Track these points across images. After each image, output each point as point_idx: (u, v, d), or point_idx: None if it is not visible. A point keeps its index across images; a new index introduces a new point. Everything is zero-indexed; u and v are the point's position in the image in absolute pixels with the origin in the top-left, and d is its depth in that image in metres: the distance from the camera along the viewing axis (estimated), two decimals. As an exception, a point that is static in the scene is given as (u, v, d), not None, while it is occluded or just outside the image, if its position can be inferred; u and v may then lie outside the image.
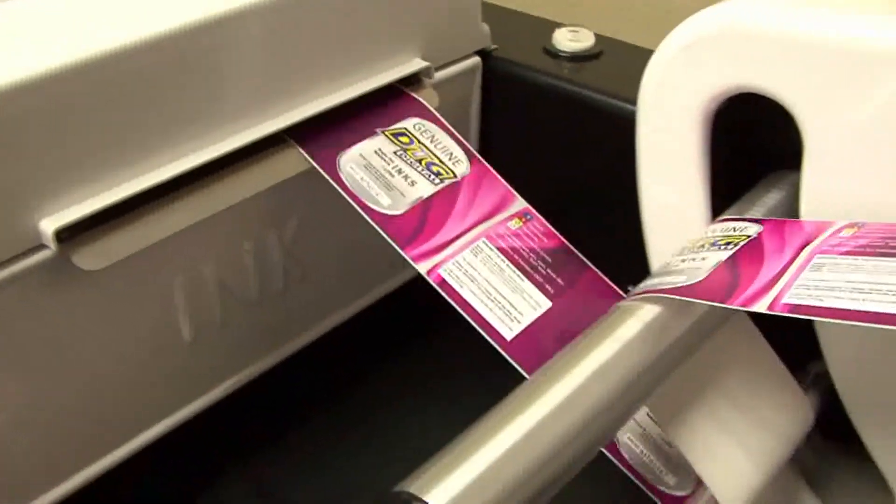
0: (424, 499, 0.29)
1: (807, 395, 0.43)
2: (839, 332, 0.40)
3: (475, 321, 0.40)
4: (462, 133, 0.49)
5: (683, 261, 0.37)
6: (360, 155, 0.46)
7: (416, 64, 0.50)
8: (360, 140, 0.47)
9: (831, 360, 0.41)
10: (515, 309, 0.41)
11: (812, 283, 0.31)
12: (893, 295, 0.29)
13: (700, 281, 0.34)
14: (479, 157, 0.48)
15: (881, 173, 0.36)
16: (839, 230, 0.34)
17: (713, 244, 0.37)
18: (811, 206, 0.38)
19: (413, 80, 0.50)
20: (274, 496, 0.53)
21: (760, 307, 0.31)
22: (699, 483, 0.40)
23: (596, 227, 0.50)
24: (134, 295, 0.44)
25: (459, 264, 0.42)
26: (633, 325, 0.35)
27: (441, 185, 0.46)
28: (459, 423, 0.32)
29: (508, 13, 0.60)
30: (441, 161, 0.47)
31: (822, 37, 0.36)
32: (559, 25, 0.56)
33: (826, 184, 0.37)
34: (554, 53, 0.55)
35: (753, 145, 0.44)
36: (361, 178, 0.45)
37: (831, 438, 0.47)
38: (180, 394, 0.48)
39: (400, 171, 0.46)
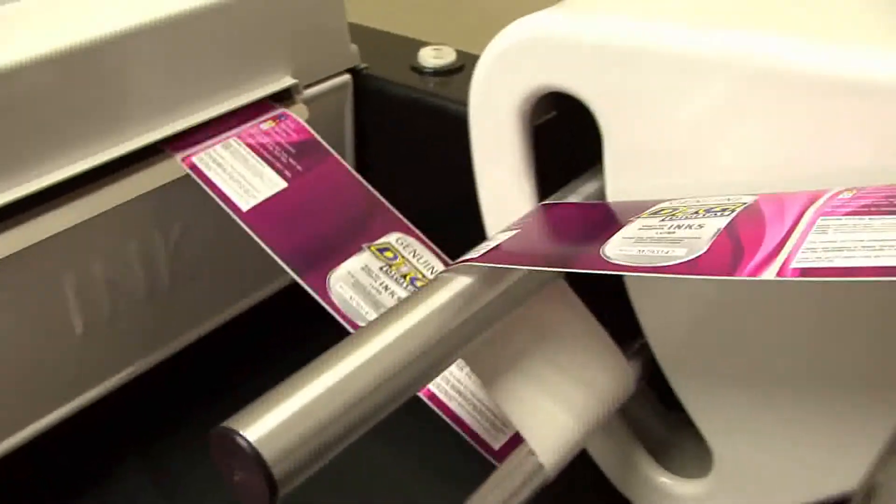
0: (242, 433, 0.34)
1: (632, 362, 0.48)
2: (653, 304, 0.45)
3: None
4: (338, 146, 0.54)
5: (679, 227, 0.35)
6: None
7: (285, 81, 0.55)
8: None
9: (648, 330, 0.46)
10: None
11: (820, 246, 0.31)
12: None
13: (704, 253, 0.32)
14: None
15: (671, 166, 0.41)
16: (837, 193, 0.33)
17: (708, 210, 0.36)
18: (614, 194, 0.43)
19: (284, 96, 0.55)
20: (170, 484, 0.57)
21: (769, 275, 0.29)
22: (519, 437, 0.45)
23: (467, 230, 0.55)
24: (25, 289, 0.48)
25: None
26: (447, 290, 0.40)
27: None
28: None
29: (378, 34, 0.65)
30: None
31: (615, 41, 0.41)
32: (424, 44, 0.62)
33: (623, 173, 0.43)
34: (420, 70, 0.61)
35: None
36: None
37: (676, 408, 0.52)
38: (73, 384, 0.53)
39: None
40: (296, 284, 0.47)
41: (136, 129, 0.49)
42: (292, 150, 0.51)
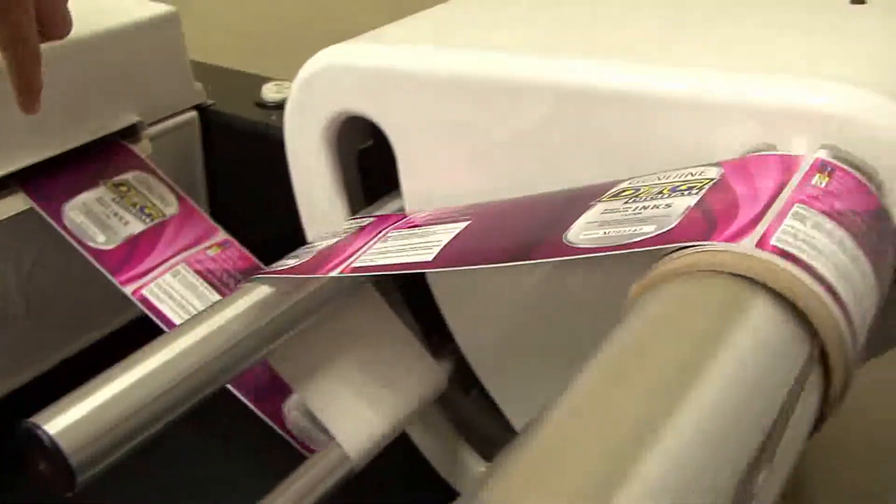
0: (44, 427, 0.37)
1: (444, 361, 0.52)
2: (458, 307, 0.50)
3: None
4: (188, 180, 0.58)
5: (645, 208, 0.35)
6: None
7: (130, 119, 0.59)
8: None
9: (454, 330, 0.50)
10: None
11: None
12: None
13: (675, 226, 0.33)
14: (189, 200, 0.57)
15: (456, 182, 0.45)
16: (810, 175, 0.33)
17: (673, 189, 0.36)
18: (410, 206, 0.48)
19: (130, 134, 0.59)
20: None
21: (748, 244, 0.29)
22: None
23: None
24: None
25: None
26: (248, 298, 0.44)
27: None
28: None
29: (222, 71, 0.70)
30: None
31: (398, 67, 0.45)
32: (266, 80, 0.66)
33: (415, 191, 0.47)
34: (263, 104, 0.65)
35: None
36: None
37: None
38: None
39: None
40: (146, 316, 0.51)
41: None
42: None
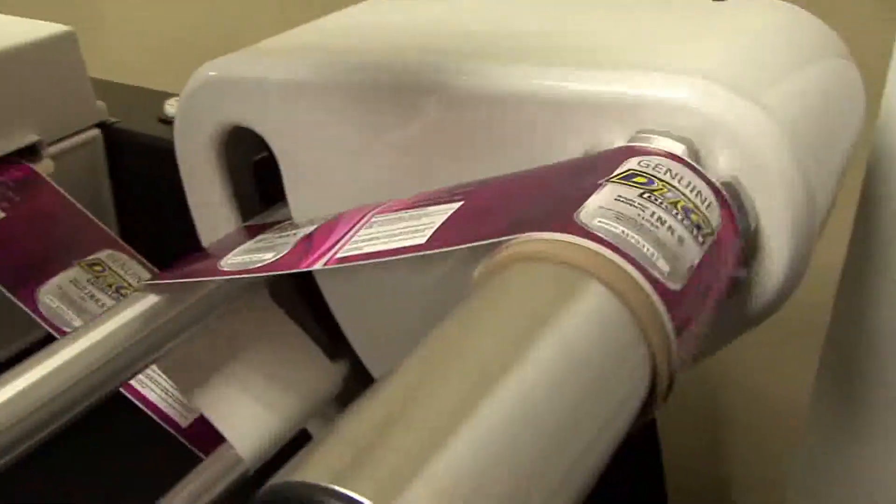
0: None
1: (340, 361, 0.53)
2: (351, 309, 0.51)
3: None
4: (94, 198, 0.59)
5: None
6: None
7: (30, 138, 0.60)
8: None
9: (345, 328, 0.51)
10: None
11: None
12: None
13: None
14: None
15: (335, 185, 0.47)
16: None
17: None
18: (297, 214, 0.49)
19: (31, 153, 0.60)
20: None
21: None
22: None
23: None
24: None
25: None
26: (134, 309, 0.45)
27: None
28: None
29: (125, 88, 0.71)
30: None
31: (272, 78, 0.46)
32: (169, 95, 0.67)
33: (299, 196, 0.48)
34: (166, 120, 0.66)
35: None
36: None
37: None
38: None
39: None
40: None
41: None
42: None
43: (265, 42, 0.50)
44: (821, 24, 0.48)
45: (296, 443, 0.50)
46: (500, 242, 0.31)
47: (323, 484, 0.21)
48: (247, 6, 1.07)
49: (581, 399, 0.27)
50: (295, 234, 0.39)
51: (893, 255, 0.54)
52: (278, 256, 0.35)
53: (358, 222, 0.38)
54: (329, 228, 0.36)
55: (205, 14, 1.12)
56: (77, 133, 0.64)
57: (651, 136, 0.37)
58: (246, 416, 0.48)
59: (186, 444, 0.49)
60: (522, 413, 0.25)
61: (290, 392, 0.50)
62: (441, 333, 0.28)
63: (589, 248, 0.29)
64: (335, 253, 0.32)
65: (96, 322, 0.44)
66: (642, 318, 0.29)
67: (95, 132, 0.65)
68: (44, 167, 0.60)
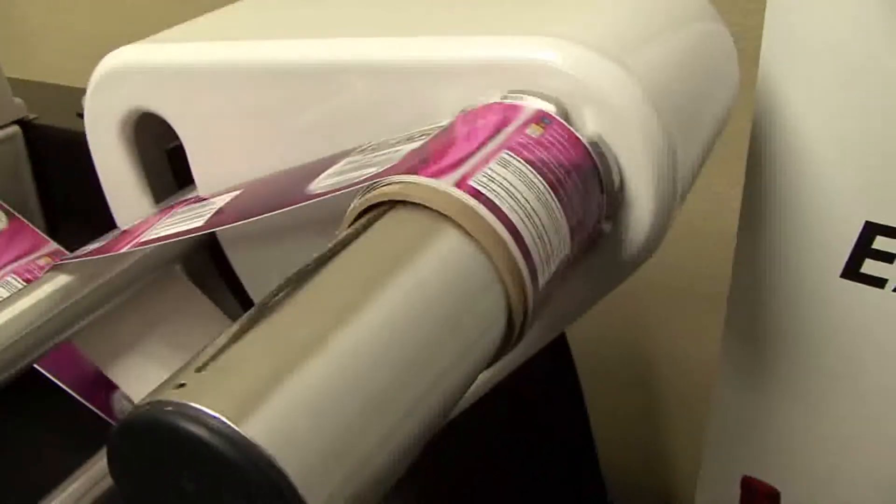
0: None
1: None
2: (259, 283, 0.53)
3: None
4: (17, 193, 0.61)
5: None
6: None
7: (-56, 137, 0.62)
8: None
9: (252, 294, 0.54)
10: None
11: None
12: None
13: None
14: (18, 215, 0.60)
15: (239, 161, 0.49)
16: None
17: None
18: (202, 189, 0.51)
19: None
20: None
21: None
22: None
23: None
24: None
25: None
26: (49, 286, 0.47)
27: None
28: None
29: (44, 86, 0.72)
30: None
31: (172, 63, 0.48)
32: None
33: (202, 172, 0.50)
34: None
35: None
36: None
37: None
38: None
39: None
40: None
41: None
42: None
43: (166, 31, 0.52)
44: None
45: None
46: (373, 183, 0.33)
47: (180, 400, 0.24)
48: (171, 8, 1.09)
49: (434, 332, 0.29)
50: (396, 150, 0.38)
51: (778, 213, 0.57)
52: (384, 168, 0.35)
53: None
54: (442, 142, 0.36)
55: (129, 15, 1.13)
56: (-5, 131, 0.65)
57: (522, 95, 0.39)
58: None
59: (102, 415, 0.51)
60: (371, 343, 0.27)
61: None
62: (304, 271, 0.30)
63: (448, 193, 0.32)
64: (466, 178, 0.32)
65: (10, 299, 0.46)
66: (496, 261, 0.31)
67: (14, 129, 0.66)
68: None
